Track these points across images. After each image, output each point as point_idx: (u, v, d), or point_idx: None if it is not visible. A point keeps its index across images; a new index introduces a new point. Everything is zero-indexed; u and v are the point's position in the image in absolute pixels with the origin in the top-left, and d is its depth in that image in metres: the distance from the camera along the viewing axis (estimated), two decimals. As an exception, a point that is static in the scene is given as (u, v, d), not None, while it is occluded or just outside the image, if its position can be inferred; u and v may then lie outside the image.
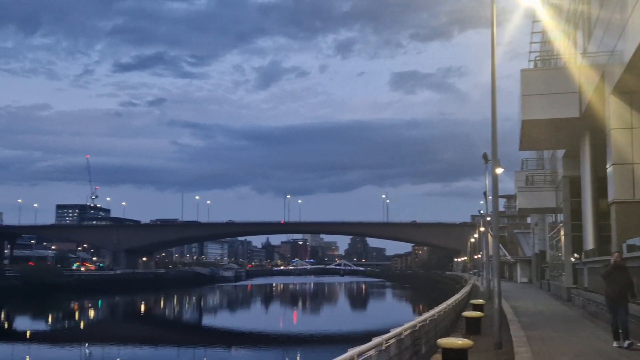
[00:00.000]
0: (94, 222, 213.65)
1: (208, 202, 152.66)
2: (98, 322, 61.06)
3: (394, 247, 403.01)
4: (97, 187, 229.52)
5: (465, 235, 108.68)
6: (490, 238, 43.77)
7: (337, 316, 68.14)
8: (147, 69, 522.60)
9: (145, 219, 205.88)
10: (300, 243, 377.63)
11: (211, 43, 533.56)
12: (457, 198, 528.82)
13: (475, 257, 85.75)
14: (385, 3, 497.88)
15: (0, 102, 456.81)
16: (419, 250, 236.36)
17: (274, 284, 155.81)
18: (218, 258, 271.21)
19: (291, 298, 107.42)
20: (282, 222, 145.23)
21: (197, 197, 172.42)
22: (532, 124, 24.52)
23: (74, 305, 77.66)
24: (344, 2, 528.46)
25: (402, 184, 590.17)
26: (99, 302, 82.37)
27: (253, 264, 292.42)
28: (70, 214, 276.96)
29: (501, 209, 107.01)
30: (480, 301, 22.03)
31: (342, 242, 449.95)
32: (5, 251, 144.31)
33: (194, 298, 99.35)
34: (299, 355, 37.96)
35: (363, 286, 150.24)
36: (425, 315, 14.89)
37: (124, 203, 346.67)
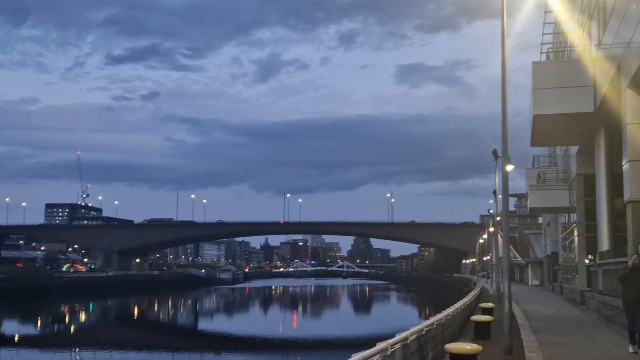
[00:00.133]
0: (85, 221, 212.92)
1: (204, 201, 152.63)
2: (89, 326, 60.17)
3: (399, 248, 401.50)
4: (88, 185, 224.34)
5: (473, 236, 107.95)
6: (500, 239, 43.29)
7: (340, 320, 66.81)
8: (141, 61, 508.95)
9: (138, 218, 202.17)
10: (301, 244, 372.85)
11: (208, 34, 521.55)
12: (466, 197, 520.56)
13: (485, 258, 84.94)
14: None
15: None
16: (425, 252, 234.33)
17: (273, 287, 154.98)
18: (215, 259, 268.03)
19: (291, 301, 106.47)
20: (282, 221, 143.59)
21: (192, 196, 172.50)
22: (544, 119, 24.24)
23: (64, 308, 76.76)
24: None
25: (407, 182, 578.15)
26: (90, 305, 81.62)
27: (251, 265, 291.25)
28: (60, 214, 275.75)
29: (511, 208, 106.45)
30: (490, 304, 21.65)
31: (345, 243, 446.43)
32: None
33: (189, 301, 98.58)
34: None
35: (367, 289, 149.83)
36: (432, 319, 14.54)
37: (116, 202, 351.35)
